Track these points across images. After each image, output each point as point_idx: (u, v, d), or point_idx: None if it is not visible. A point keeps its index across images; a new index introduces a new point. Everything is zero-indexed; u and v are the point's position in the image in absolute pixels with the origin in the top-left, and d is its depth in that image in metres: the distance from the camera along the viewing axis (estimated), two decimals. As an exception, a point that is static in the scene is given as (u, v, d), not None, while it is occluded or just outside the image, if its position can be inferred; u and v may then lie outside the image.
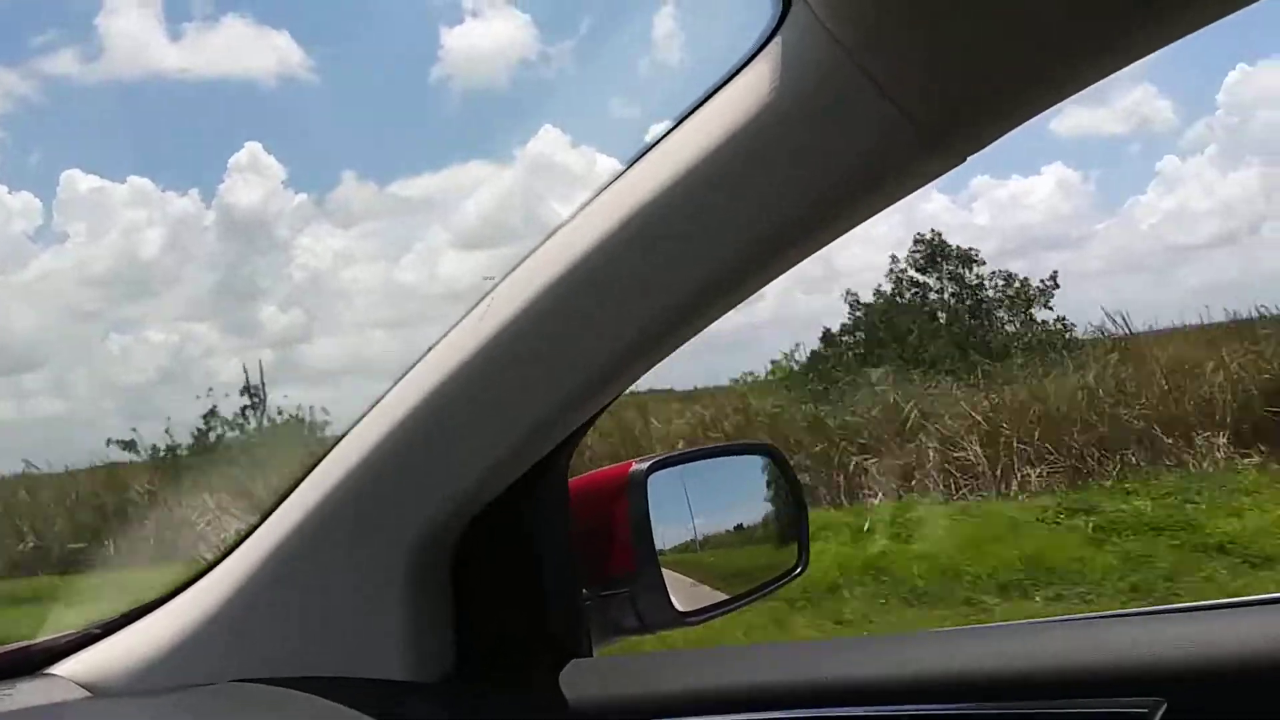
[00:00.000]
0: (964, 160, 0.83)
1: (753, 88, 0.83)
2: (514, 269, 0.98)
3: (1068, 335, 12.72)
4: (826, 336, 13.94)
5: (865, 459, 9.17)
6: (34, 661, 1.12)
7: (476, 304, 0.99)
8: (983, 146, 0.82)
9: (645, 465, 1.17)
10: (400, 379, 1.03)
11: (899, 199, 0.87)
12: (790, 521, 1.33)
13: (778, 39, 0.83)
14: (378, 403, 1.04)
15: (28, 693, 1.08)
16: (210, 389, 12.12)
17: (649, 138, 0.92)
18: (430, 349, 1.02)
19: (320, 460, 1.06)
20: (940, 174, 0.84)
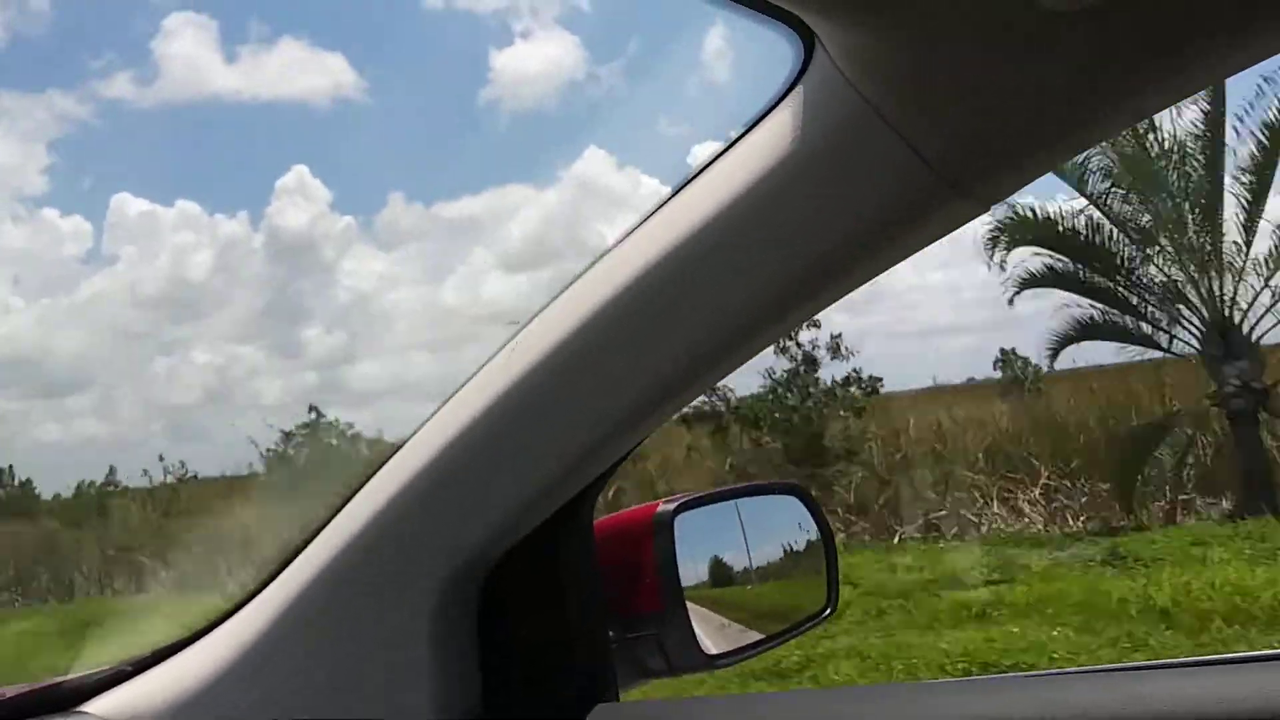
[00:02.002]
0: (988, 208, 0.83)
1: (775, 136, 0.84)
2: (539, 312, 0.98)
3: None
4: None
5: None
6: (65, 699, 1.13)
7: (503, 346, 1.00)
8: (1006, 195, 0.82)
9: (672, 506, 1.16)
10: (428, 420, 1.04)
11: (923, 246, 0.87)
12: (819, 562, 1.32)
13: (799, 88, 0.83)
14: (406, 442, 1.05)
15: None
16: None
17: (670, 188, 0.92)
18: (457, 390, 1.02)
19: (349, 500, 1.07)
20: (965, 222, 0.84)
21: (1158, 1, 0.68)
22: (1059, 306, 10.44)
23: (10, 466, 16.24)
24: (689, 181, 0.91)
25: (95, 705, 1.13)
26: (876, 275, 0.88)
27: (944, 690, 1.03)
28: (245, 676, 1.07)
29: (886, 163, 0.79)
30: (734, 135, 0.89)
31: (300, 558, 1.08)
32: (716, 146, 0.89)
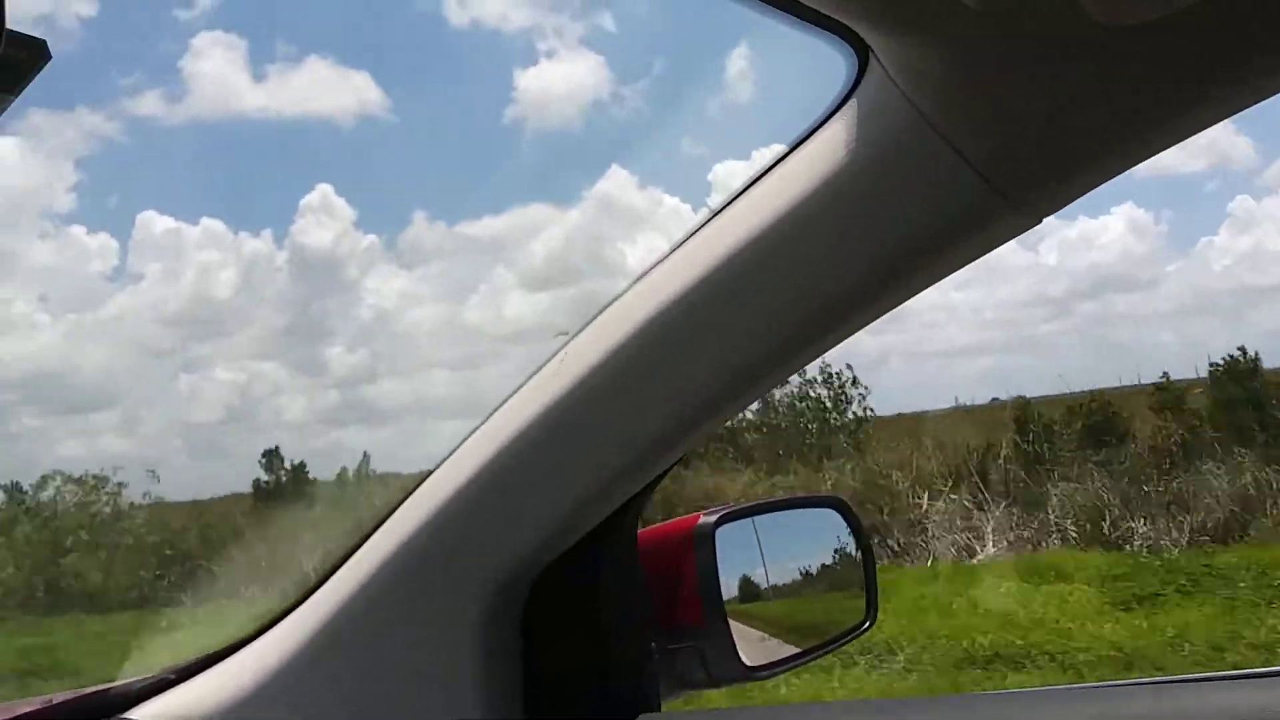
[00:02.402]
0: (1040, 221, 0.83)
1: (829, 147, 0.84)
2: (586, 326, 0.99)
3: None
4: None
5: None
6: (111, 706, 1.14)
7: (550, 359, 1.01)
8: (1059, 208, 0.82)
9: (713, 518, 1.17)
10: (473, 432, 1.05)
11: (975, 258, 0.87)
12: (858, 575, 1.31)
13: (853, 100, 0.83)
14: (452, 454, 1.06)
15: None
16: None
17: (722, 198, 0.93)
18: (503, 403, 1.03)
19: (394, 510, 1.08)
20: (1017, 234, 0.84)
21: (1212, 16, 0.68)
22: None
23: (277, 447, 15.49)
24: (737, 197, 0.92)
25: (139, 712, 1.14)
26: (928, 287, 0.88)
27: (990, 702, 1.02)
28: (288, 686, 1.08)
29: (940, 174, 0.80)
30: (787, 147, 0.89)
31: (345, 568, 1.09)
32: (769, 158, 0.90)
